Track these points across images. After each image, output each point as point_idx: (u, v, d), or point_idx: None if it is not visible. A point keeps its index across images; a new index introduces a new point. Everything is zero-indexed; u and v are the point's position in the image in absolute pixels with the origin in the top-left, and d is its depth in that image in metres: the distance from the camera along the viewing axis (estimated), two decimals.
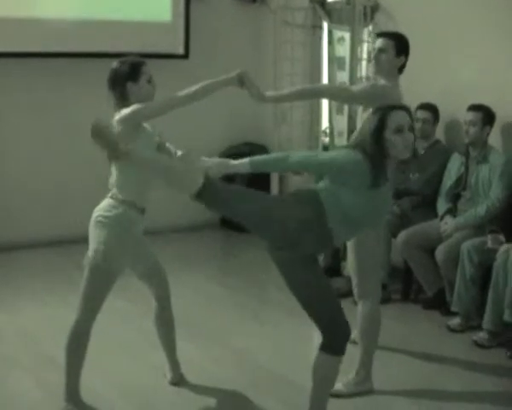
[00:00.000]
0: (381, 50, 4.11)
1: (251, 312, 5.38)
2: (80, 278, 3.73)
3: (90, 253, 3.71)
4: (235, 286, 5.88)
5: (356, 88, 4.23)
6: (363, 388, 4.11)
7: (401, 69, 4.17)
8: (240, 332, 5.01)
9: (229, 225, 7.15)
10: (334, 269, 5.93)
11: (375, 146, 3.24)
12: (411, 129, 3.29)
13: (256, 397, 4.09)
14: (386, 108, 3.29)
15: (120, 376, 4.30)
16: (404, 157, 3.29)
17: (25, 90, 6.64)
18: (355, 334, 4.33)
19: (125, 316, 5.13)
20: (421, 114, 5.69)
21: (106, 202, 3.76)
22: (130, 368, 4.42)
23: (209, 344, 4.79)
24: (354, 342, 4.29)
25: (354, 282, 4.18)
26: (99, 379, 4.19)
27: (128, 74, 3.71)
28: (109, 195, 3.77)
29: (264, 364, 4.49)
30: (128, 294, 5.08)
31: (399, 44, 4.12)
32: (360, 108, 4.33)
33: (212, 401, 4.06)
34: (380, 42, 4.15)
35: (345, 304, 4.21)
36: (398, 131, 3.23)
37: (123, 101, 3.71)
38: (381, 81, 4.12)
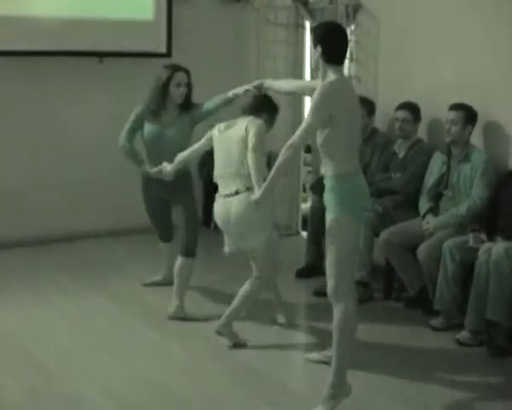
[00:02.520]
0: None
1: None
2: (63, 278, 3.70)
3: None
4: (217, 283, 5.87)
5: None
6: (342, 396, 3.89)
7: (330, 59, 3.76)
8: None
9: (210, 223, 7.15)
10: (316, 268, 5.94)
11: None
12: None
13: (237, 394, 4.10)
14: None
15: (104, 376, 4.29)
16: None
17: (4, 88, 6.61)
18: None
19: (110, 316, 5.12)
20: (399, 114, 5.68)
21: (244, 197, 4.40)
22: (114, 367, 4.40)
23: (190, 340, 4.79)
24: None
25: (329, 283, 3.87)
26: (83, 379, 4.20)
27: None
28: (241, 190, 4.43)
29: (245, 360, 4.49)
30: (113, 295, 5.07)
31: (313, 36, 3.82)
32: None
33: (194, 398, 4.05)
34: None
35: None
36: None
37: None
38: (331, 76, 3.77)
